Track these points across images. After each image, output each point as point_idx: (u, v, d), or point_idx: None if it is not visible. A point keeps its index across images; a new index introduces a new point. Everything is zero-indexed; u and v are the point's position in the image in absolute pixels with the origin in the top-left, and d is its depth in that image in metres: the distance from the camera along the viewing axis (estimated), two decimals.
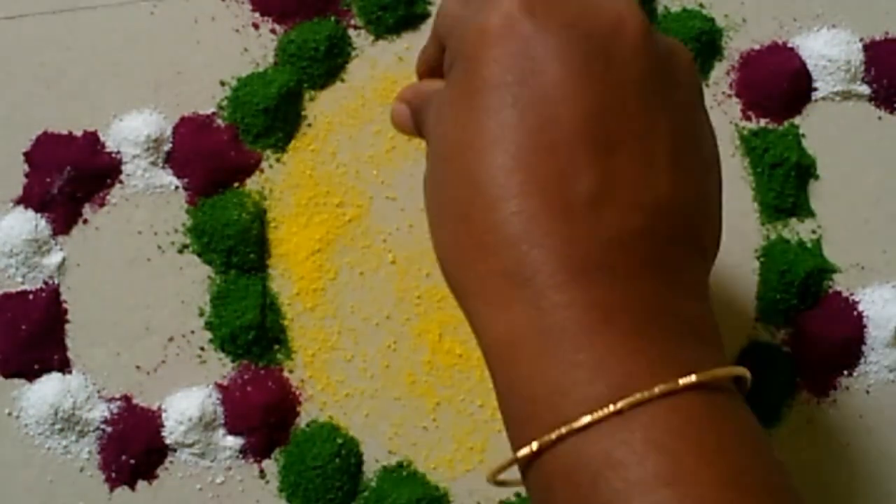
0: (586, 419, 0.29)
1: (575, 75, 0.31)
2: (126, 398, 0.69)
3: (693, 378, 0.30)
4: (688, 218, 0.33)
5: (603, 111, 0.31)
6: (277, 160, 0.73)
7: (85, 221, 0.71)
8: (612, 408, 0.29)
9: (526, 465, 0.32)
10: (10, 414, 0.68)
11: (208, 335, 0.70)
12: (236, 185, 0.72)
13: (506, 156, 0.31)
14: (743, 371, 0.33)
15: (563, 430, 0.29)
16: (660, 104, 0.32)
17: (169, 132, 0.72)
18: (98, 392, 0.69)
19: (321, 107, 0.74)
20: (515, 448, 0.32)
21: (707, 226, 0.36)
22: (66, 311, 0.70)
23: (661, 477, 0.28)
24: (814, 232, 0.77)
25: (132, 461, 0.68)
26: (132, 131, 0.71)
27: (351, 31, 0.75)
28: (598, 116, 0.31)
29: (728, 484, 0.29)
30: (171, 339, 0.70)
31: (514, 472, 0.35)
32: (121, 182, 0.71)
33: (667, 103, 0.33)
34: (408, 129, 0.43)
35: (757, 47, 0.78)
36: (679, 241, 0.32)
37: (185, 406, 0.68)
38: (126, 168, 0.71)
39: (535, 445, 0.30)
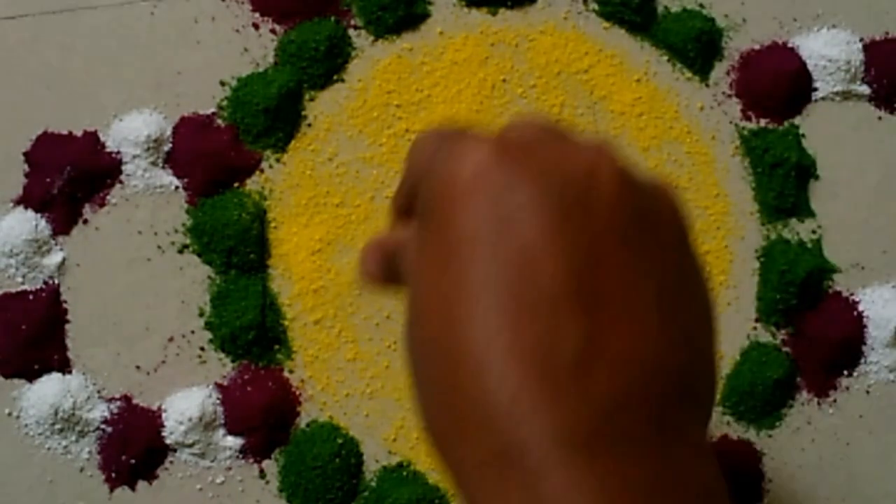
0: None
1: (553, 227, 0.29)
2: (126, 398, 0.69)
3: None
4: (682, 374, 0.30)
5: (585, 264, 0.28)
6: (277, 160, 0.73)
7: (85, 221, 0.71)
8: None
9: None
10: (10, 414, 0.68)
11: (208, 335, 0.70)
12: (236, 185, 0.72)
13: (485, 319, 0.28)
14: None
15: None
16: (645, 252, 0.30)
17: (169, 132, 0.72)
18: (98, 392, 0.69)
19: (321, 107, 0.74)
20: None
21: (702, 380, 0.33)
22: (66, 311, 0.70)
23: None
24: (814, 232, 0.77)
25: (132, 461, 0.68)
26: (132, 131, 0.71)
27: (351, 31, 0.75)
28: (580, 270, 0.28)
29: None
30: (171, 339, 0.70)
31: None
32: (121, 182, 0.71)
33: (652, 250, 0.30)
34: (378, 277, 0.39)
35: (757, 47, 0.78)
36: (676, 399, 0.30)
37: (185, 406, 0.68)
38: (126, 168, 0.71)
39: None
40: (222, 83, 0.73)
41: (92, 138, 0.71)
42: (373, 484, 0.70)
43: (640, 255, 0.30)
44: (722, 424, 0.73)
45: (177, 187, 0.72)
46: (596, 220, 0.29)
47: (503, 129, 0.33)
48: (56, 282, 0.70)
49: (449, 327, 0.29)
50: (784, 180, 0.76)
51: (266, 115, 0.72)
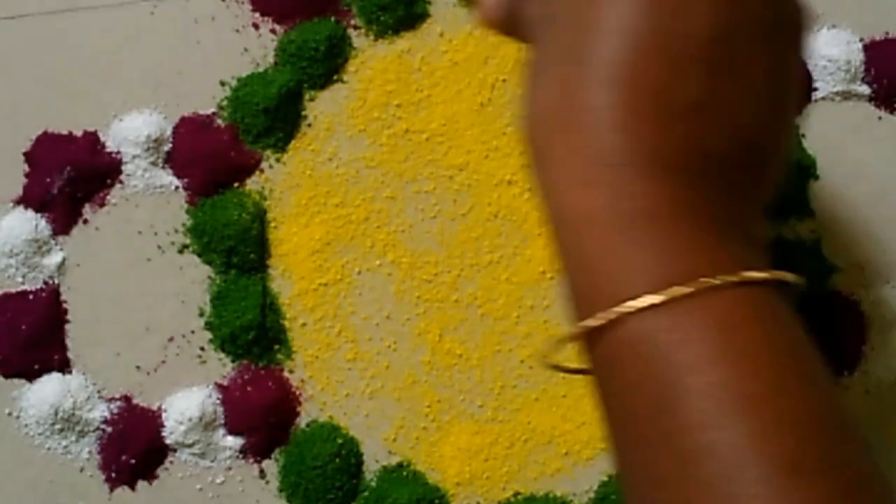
0: (657, 298, 0.31)
1: None
2: (126, 398, 0.69)
3: (758, 274, 0.32)
4: (766, 150, 0.36)
5: (726, 34, 0.33)
6: (277, 160, 0.73)
7: (85, 221, 0.71)
8: (683, 290, 0.31)
9: (588, 339, 0.34)
10: (10, 414, 0.68)
11: (208, 335, 0.70)
12: (236, 185, 0.72)
13: (624, 45, 0.32)
14: (802, 280, 0.36)
15: (634, 304, 0.31)
16: (772, 38, 0.35)
17: (169, 132, 0.72)
18: (98, 392, 0.69)
19: (321, 107, 0.74)
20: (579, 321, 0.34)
21: (778, 161, 0.39)
22: (66, 311, 0.70)
23: (723, 353, 0.31)
24: (814, 232, 0.77)
25: (132, 461, 0.68)
26: (132, 131, 0.71)
27: (351, 31, 0.75)
28: (721, 38, 0.33)
29: (786, 365, 0.32)
30: (171, 339, 0.70)
31: (563, 360, 0.38)
32: (121, 182, 0.71)
33: (777, 38, 0.35)
34: (499, 22, 0.42)
35: None
36: (754, 168, 0.36)
37: (185, 406, 0.68)
38: (126, 168, 0.71)
39: (603, 316, 0.32)
40: (222, 83, 0.73)
41: (92, 138, 0.71)
42: (373, 484, 0.70)
43: (769, 38, 0.35)
44: None
45: (177, 187, 0.72)
46: (752, 8, 0.34)
47: None
48: (56, 282, 0.70)
49: (586, 41, 0.33)
50: (784, 180, 0.76)
51: (266, 115, 0.72)
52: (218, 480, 0.69)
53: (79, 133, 0.71)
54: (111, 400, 0.69)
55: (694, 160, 0.33)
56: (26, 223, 0.69)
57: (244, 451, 0.69)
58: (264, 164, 0.73)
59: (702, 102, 0.33)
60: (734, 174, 0.34)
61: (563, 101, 0.34)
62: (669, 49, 0.32)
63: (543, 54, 0.37)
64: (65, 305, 0.70)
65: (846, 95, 0.79)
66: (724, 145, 0.33)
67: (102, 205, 0.71)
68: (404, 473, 0.70)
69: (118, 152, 0.71)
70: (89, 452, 0.68)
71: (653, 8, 0.33)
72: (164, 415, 0.69)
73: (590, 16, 0.34)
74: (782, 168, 0.40)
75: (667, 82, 0.32)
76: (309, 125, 0.74)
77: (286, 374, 0.71)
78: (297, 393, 0.71)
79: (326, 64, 0.74)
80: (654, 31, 0.32)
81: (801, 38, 0.38)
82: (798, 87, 0.39)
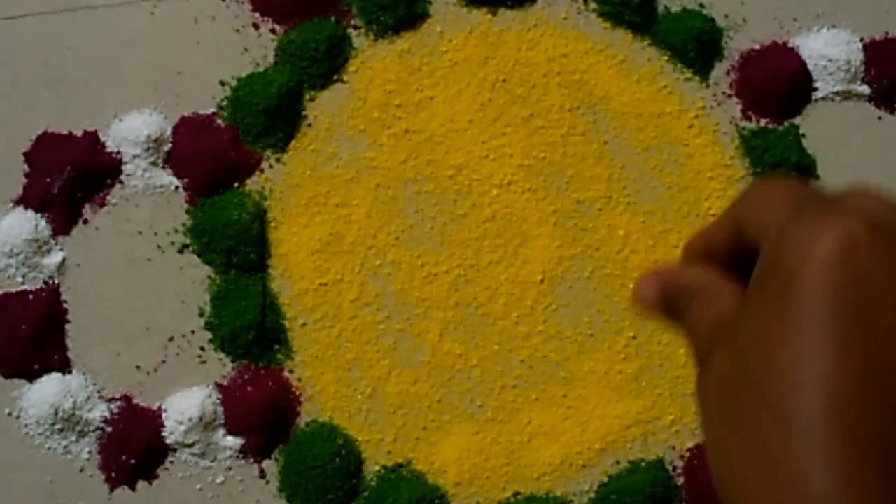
0: None
1: None
2: (126, 398, 0.69)
3: None
4: None
5: None
6: (277, 160, 0.73)
7: (85, 221, 0.71)
8: None
9: None
10: (10, 414, 0.68)
11: (208, 335, 0.70)
12: (236, 185, 0.72)
13: (827, 399, 0.29)
14: None
15: None
16: None
17: (169, 132, 0.72)
18: (98, 392, 0.69)
19: (321, 107, 0.74)
20: None
21: None
22: (66, 311, 0.70)
23: None
24: None
25: (132, 461, 0.68)
26: (132, 131, 0.71)
27: (351, 31, 0.75)
28: None
29: None
30: (171, 339, 0.70)
31: None
32: (121, 182, 0.71)
33: None
34: (653, 307, 0.39)
35: (757, 47, 0.78)
36: None
37: (185, 406, 0.68)
38: (126, 168, 0.71)
39: None
40: (222, 83, 0.73)
41: (92, 138, 0.71)
42: (373, 484, 0.70)
43: None
44: None
45: (177, 187, 0.72)
46: None
47: (857, 202, 0.33)
48: (56, 282, 0.70)
49: (782, 397, 0.29)
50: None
51: (266, 115, 0.72)
52: (218, 480, 0.69)
53: (79, 133, 0.71)
54: (111, 400, 0.69)
55: None
56: (26, 223, 0.69)
57: (244, 451, 0.69)
58: (264, 164, 0.73)
59: None
60: None
61: (765, 472, 0.30)
62: (876, 394, 0.29)
63: (731, 407, 0.32)
64: (65, 305, 0.70)
65: (846, 95, 0.79)
66: None
67: (102, 205, 0.71)
68: (404, 473, 0.71)
69: (118, 152, 0.71)
70: (89, 452, 0.68)
71: (850, 351, 0.29)
72: (164, 415, 0.69)
73: (783, 361, 0.30)
74: None
75: (881, 435, 0.28)
76: (309, 125, 0.74)
77: (286, 374, 0.71)
78: (297, 393, 0.71)
79: (326, 64, 0.74)
80: (855, 377, 0.29)
81: None
82: None
